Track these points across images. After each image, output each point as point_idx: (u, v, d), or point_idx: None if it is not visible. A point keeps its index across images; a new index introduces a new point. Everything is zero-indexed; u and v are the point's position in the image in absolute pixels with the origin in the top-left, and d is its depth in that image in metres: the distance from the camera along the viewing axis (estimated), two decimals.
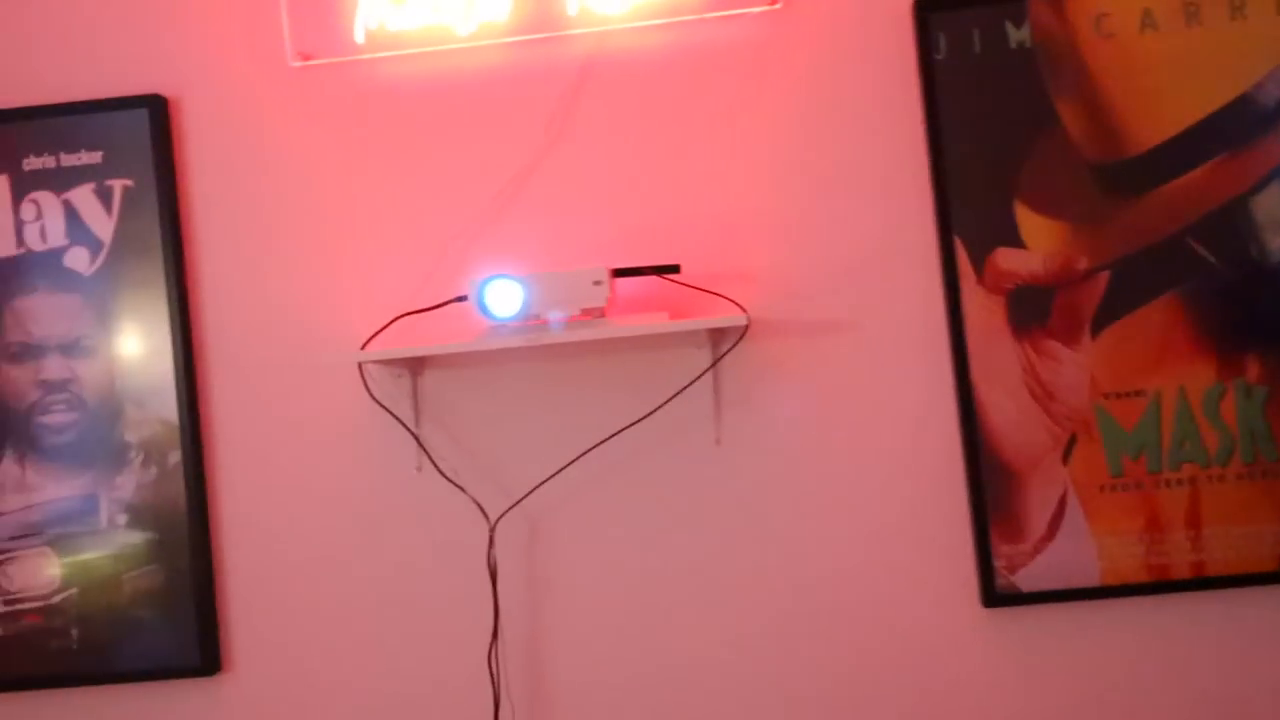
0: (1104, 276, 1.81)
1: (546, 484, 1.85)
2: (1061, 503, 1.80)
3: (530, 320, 1.71)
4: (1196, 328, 1.79)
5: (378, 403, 1.86)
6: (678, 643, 1.85)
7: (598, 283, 1.68)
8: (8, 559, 1.93)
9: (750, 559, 1.84)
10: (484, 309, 1.71)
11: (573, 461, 1.84)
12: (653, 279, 1.79)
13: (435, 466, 1.86)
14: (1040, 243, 1.82)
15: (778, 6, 1.87)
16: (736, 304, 1.78)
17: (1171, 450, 1.79)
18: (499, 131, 1.90)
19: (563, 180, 1.89)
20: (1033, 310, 1.81)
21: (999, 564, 1.80)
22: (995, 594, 1.80)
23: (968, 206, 1.83)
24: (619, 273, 1.74)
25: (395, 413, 1.87)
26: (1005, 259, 1.82)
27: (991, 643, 1.81)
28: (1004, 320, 1.82)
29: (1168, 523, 1.78)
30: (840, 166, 1.86)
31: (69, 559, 1.92)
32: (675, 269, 1.76)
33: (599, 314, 1.72)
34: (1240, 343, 1.79)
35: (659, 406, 1.82)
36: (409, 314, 1.85)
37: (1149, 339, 1.80)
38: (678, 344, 1.84)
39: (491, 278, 1.71)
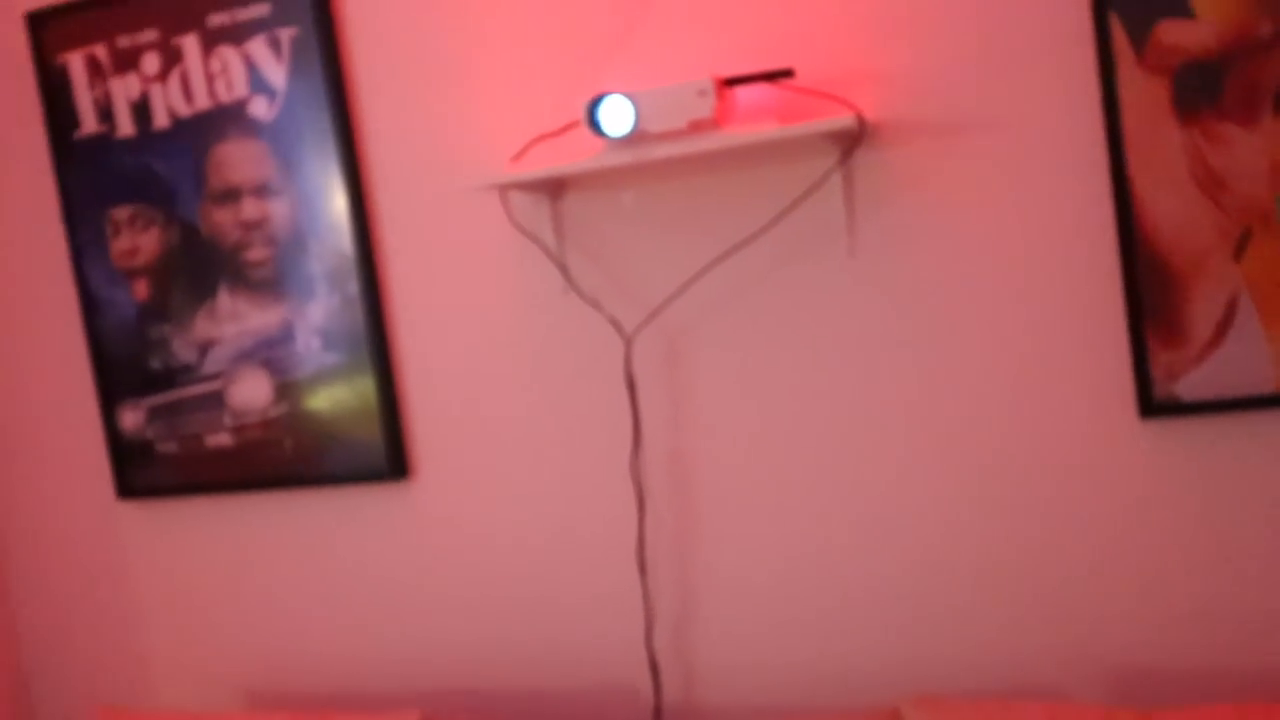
0: None
1: (682, 300, 1.89)
2: (1231, 304, 1.63)
3: (644, 136, 1.71)
4: None
5: (517, 226, 1.94)
6: (815, 449, 1.86)
7: (702, 93, 1.65)
8: (231, 380, 2.21)
9: (889, 371, 1.81)
10: (597, 128, 1.72)
11: (701, 273, 1.85)
12: (774, 87, 1.73)
13: (572, 286, 1.93)
14: (1213, 10, 1.59)
15: None
16: (849, 104, 1.69)
17: None
18: None
19: None
20: (1202, 90, 1.61)
21: (1157, 372, 1.66)
22: (1154, 403, 1.67)
23: None
24: (730, 81, 1.70)
25: (538, 236, 1.95)
26: (1170, 32, 1.61)
27: (1150, 455, 1.69)
28: (1168, 104, 1.63)
29: None
30: None
31: (279, 379, 2.18)
32: (788, 73, 1.69)
33: (711, 125, 1.69)
34: None
35: (781, 215, 1.79)
36: (542, 138, 1.89)
37: None
38: (806, 155, 1.79)
39: (601, 97, 1.71)
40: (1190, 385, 1.66)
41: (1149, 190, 1.64)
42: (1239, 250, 1.62)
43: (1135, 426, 1.70)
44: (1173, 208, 1.64)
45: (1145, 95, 1.63)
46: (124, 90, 2.20)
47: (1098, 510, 1.72)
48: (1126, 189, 1.65)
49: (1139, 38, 1.62)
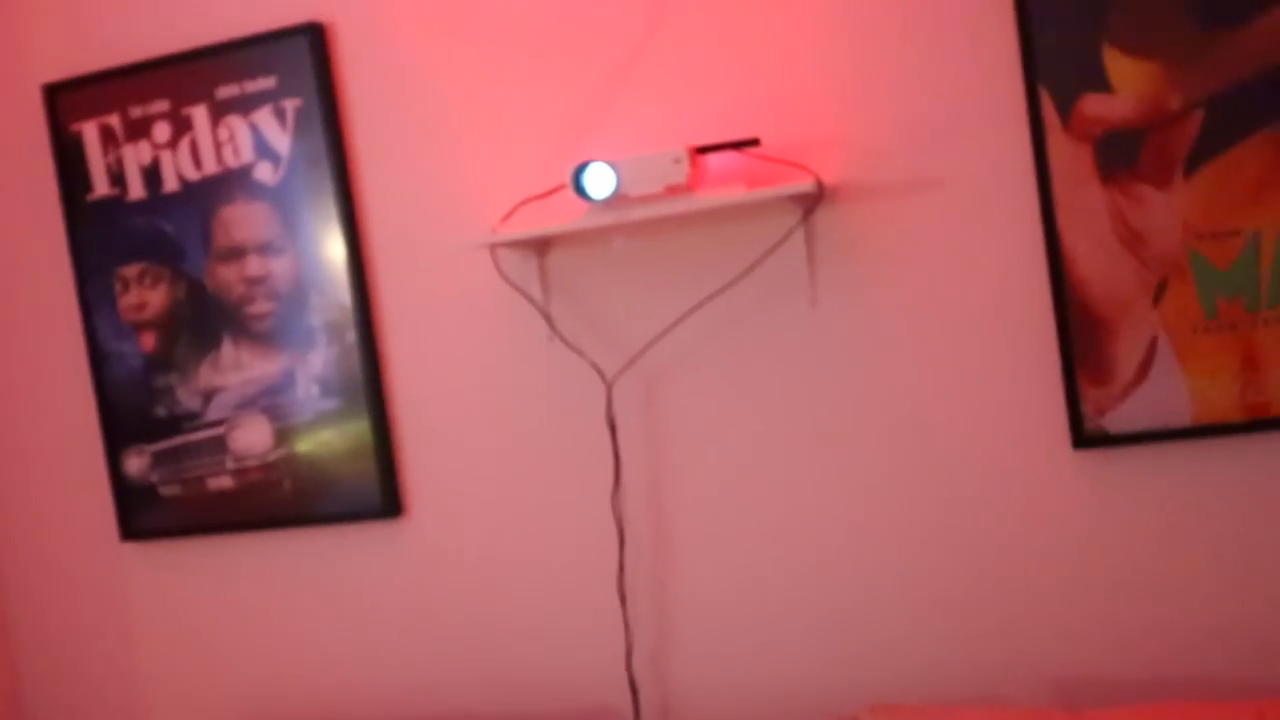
0: (1198, 115, 1.77)
1: (659, 347, 2.05)
2: (1151, 346, 1.82)
3: (624, 199, 1.89)
4: None
5: (506, 280, 2.11)
6: (781, 483, 2.02)
7: (677, 161, 1.84)
8: (233, 426, 2.35)
9: (848, 410, 1.98)
10: (581, 191, 1.90)
11: (677, 322, 2.02)
12: (741, 155, 1.92)
13: (557, 335, 2.09)
14: (1129, 85, 1.80)
15: None
16: (809, 170, 1.88)
17: (1271, 288, 1.76)
18: (604, 24, 2.05)
19: (665, 64, 2.03)
20: (1121, 155, 1.81)
21: (1087, 408, 1.85)
22: (1084, 436, 1.85)
23: (1053, 53, 1.83)
24: (702, 150, 1.88)
25: (525, 289, 2.11)
26: (1092, 104, 1.82)
27: (1082, 482, 1.87)
28: (1091, 167, 1.83)
29: (1266, 361, 1.77)
30: (922, 23, 1.90)
31: (279, 425, 2.32)
32: (754, 142, 1.88)
33: (685, 189, 1.87)
34: None
35: (749, 269, 1.96)
36: (528, 200, 2.07)
37: (1247, 176, 1.76)
38: (771, 214, 1.96)
39: (585, 164, 1.89)
40: (1117, 419, 1.84)
41: (1077, 245, 1.84)
42: (1157, 298, 1.81)
43: (1069, 456, 1.87)
44: (1098, 260, 1.83)
45: (1071, 160, 1.83)
46: (135, 156, 2.36)
47: (1037, 532, 1.89)
48: (1057, 243, 1.85)
49: (1065, 109, 1.83)
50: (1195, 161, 1.78)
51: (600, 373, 2.08)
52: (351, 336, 2.25)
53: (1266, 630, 1.79)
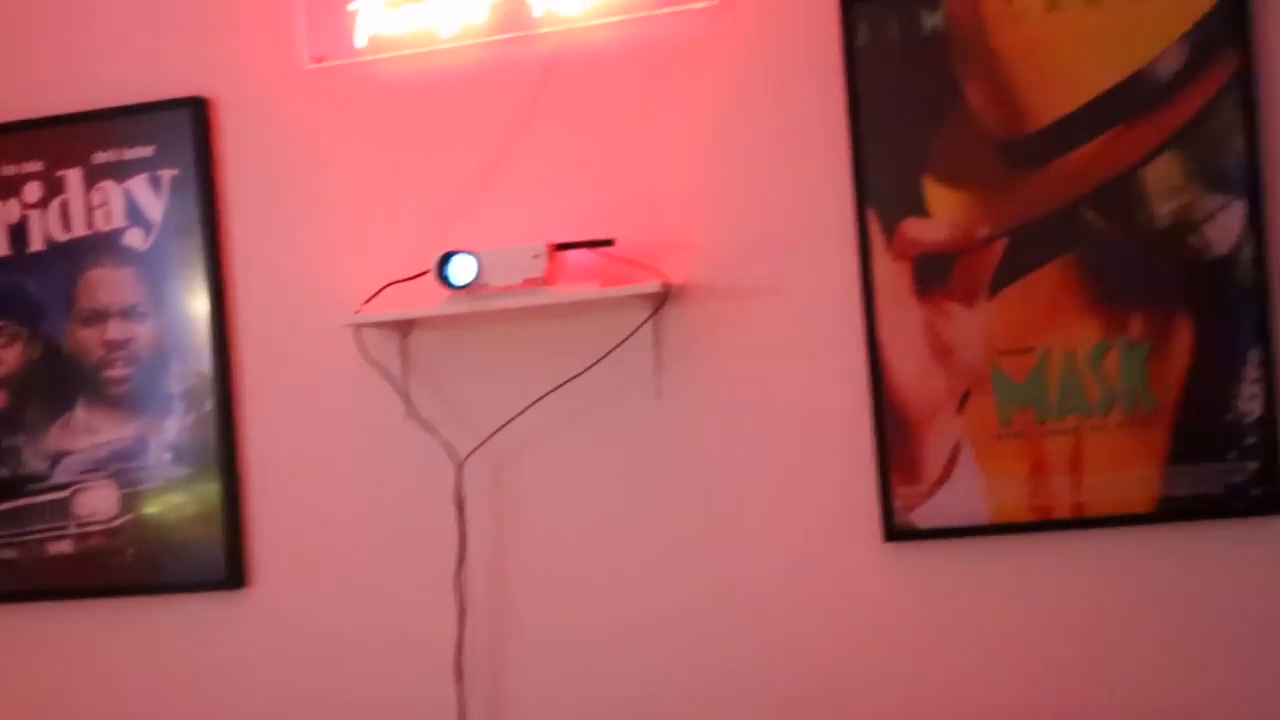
0: (1002, 243, 1.99)
1: (510, 430, 2.15)
2: (955, 449, 2.00)
3: (484, 288, 2.01)
4: (1086, 290, 1.96)
5: (367, 359, 2.19)
6: (621, 565, 2.13)
7: (536, 256, 1.97)
8: (79, 490, 2.34)
9: (684, 497, 2.10)
10: (444, 279, 2.01)
11: (528, 407, 2.12)
12: (596, 254, 2.06)
13: (412, 413, 2.18)
14: (945, 212, 2.01)
15: (716, 2, 2.08)
16: (658, 272, 2.04)
17: (1058, 402, 1.96)
18: (477, 121, 2.19)
19: (532, 163, 2.17)
20: (936, 274, 2.01)
21: (898, 503, 2.01)
22: (895, 529, 2.01)
23: (881, 180, 2.03)
24: (560, 246, 2.02)
25: (386, 367, 2.19)
26: (912, 228, 2.02)
27: (892, 573, 2.02)
28: (910, 284, 2.02)
29: (1051, 467, 1.96)
30: (768, 146, 2.08)
31: (126, 490, 2.32)
32: (609, 243, 2.03)
33: (543, 283, 2.00)
34: (1126, 303, 1.94)
35: (599, 359, 2.09)
36: (393, 283, 2.16)
37: (1041, 300, 1.97)
38: (625, 309, 2.09)
39: (451, 254, 2.01)
40: (923, 515, 2.01)
41: (894, 353, 2.02)
42: (961, 405, 2.00)
43: (880, 548, 2.03)
44: (912, 369, 2.02)
45: (893, 277, 2.02)
46: (3, 214, 2.38)
47: (850, 617, 2.03)
48: (877, 352, 2.03)
49: (889, 230, 2.02)
50: (998, 284, 1.99)
51: (452, 452, 2.16)
52: (209, 404, 2.29)
53: (1057, 713, 1.95)
